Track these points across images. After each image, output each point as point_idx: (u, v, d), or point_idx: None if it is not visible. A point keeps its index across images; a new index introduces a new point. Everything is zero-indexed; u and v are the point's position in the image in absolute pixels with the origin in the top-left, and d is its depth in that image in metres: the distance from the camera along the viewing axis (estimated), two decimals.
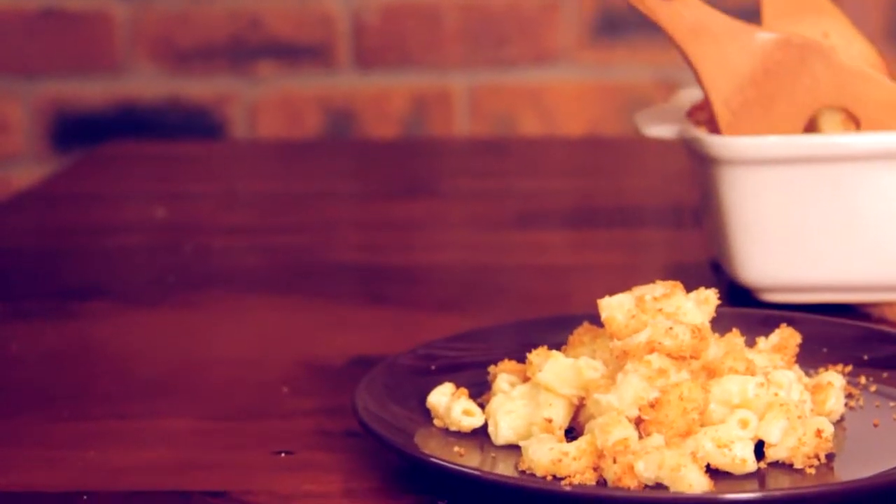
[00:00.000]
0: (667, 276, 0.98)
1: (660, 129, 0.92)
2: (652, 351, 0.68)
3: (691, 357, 0.69)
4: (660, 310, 0.70)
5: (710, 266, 0.98)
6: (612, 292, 0.95)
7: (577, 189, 1.28)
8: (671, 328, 0.68)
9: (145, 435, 0.76)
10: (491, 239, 1.11)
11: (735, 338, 0.72)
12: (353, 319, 0.93)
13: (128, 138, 1.69)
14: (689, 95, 1.01)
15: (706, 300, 0.72)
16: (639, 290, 0.71)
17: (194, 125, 1.78)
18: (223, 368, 0.85)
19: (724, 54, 0.86)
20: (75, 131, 1.80)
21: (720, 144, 0.86)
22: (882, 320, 0.89)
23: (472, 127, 1.75)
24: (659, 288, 0.71)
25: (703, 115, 0.93)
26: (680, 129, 0.91)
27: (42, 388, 0.83)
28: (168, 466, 0.72)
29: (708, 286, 0.95)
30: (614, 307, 0.70)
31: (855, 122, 0.88)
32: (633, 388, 0.67)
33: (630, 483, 0.65)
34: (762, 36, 0.87)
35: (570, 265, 1.03)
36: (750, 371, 0.69)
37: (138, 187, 1.33)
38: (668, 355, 0.68)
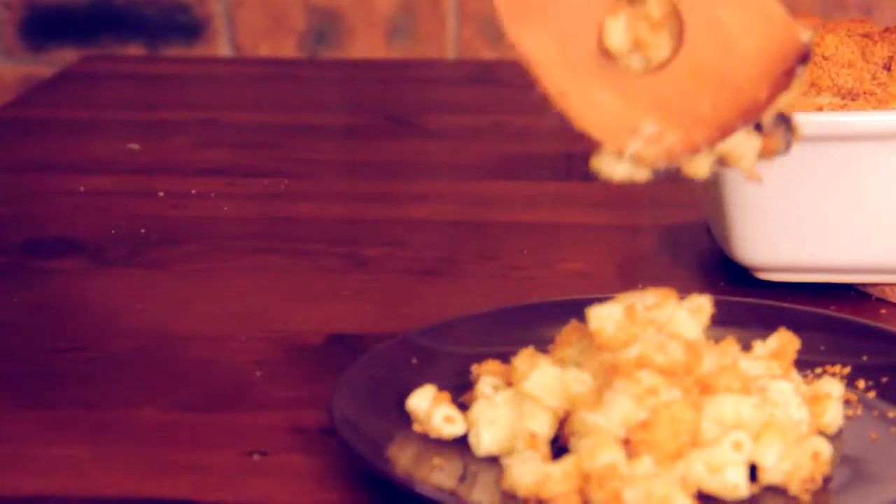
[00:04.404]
0: (659, 240, 0.95)
1: None
2: (642, 367, 0.65)
3: (683, 373, 0.65)
4: (651, 320, 0.66)
5: (705, 230, 0.94)
6: (600, 260, 0.93)
7: (568, 127, 1.23)
8: (663, 343, 0.65)
9: (112, 428, 0.73)
10: (478, 189, 1.07)
11: (730, 346, 0.69)
12: (332, 287, 0.90)
13: (103, 34, 1.64)
14: None
15: (699, 308, 0.68)
16: (629, 298, 0.67)
17: (173, 21, 1.73)
18: (195, 346, 0.82)
19: None
20: (48, 25, 1.74)
21: None
22: (882, 300, 0.85)
23: (460, 27, 1.69)
24: (650, 296, 0.67)
25: None
26: None
27: (2, 365, 0.80)
28: (135, 468, 0.69)
29: (703, 256, 0.92)
30: (603, 318, 0.66)
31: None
32: (621, 408, 0.64)
33: None
34: None
35: (559, 224, 0.99)
36: (745, 389, 0.66)
37: (113, 114, 1.28)
38: (660, 371, 0.65)
